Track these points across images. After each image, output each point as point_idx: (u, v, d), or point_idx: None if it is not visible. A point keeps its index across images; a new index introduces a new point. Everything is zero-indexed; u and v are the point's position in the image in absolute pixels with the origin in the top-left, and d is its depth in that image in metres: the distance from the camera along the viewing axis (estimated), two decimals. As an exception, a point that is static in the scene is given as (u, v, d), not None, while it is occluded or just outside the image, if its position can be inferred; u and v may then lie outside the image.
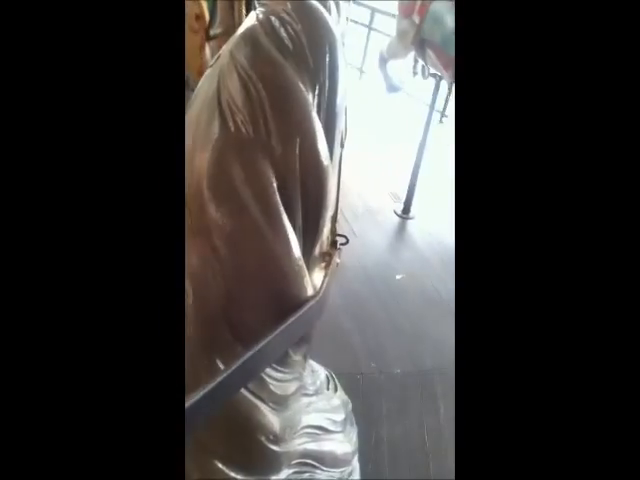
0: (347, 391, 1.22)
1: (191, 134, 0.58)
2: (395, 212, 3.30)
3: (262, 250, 0.57)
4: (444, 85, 2.86)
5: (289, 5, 0.57)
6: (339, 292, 2.37)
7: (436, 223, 3.18)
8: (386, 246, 3.04)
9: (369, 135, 4.24)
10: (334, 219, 0.81)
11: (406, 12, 2.69)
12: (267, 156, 0.54)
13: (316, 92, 0.57)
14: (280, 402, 0.71)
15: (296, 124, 0.55)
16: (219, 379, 0.52)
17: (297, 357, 0.74)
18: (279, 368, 0.69)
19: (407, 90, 3.23)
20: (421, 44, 2.59)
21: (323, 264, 0.77)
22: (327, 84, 0.57)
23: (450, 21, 2.28)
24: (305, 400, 0.82)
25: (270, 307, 0.61)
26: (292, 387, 0.73)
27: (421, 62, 2.79)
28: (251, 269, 0.59)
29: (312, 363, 0.90)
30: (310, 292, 0.67)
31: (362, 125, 4.40)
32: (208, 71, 0.63)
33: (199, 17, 2.39)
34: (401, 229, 3.23)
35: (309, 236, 0.62)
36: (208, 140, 0.55)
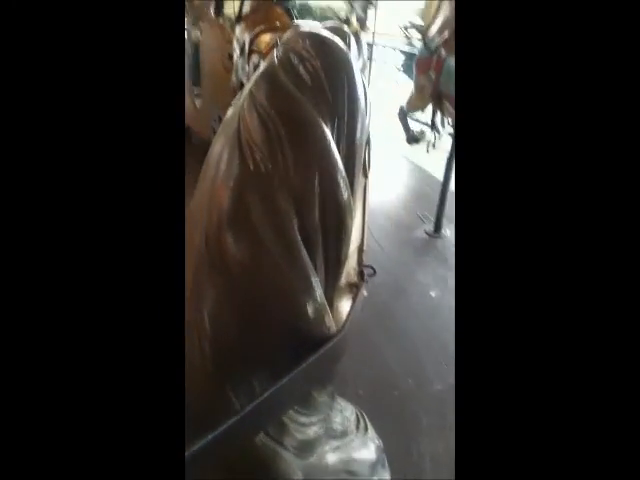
0: (383, 408, 1.10)
1: (213, 173, 0.59)
2: (426, 231, 3.30)
3: (281, 287, 0.57)
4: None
5: (308, 42, 0.58)
6: (372, 308, 2.35)
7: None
8: (418, 263, 3.03)
9: (398, 161, 4.34)
10: (360, 250, 0.79)
11: (423, 68, 2.91)
12: (286, 192, 0.54)
13: (335, 125, 0.57)
14: (304, 448, 0.65)
15: (314, 159, 0.55)
16: (231, 421, 0.49)
17: (322, 398, 0.69)
18: (302, 411, 0.64)
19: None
20: (438, 97, 2.78)
21: (350, 295, 0.75)
22: (346, 117, 0.58)
23: None
24: (332, 443, 0.75)
25: (287, 345, 0.60)
26: (317, 430, 0.68)
27: (439, 114, 2.98)
28: (269, 306, 0.58)
29: (340, 401, 0.82)
30: (333, 329, 0.63)
31: (390, 151, 4.52)
32: (230, 111, 0.65)
33: (232, 57, 2.56)
34: (432, 247, 3.20)
35: (330, 271, 0.61)
36: (228, 178, 0.56)
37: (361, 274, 0.83)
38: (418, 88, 3.04)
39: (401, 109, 3.35)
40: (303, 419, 0.65)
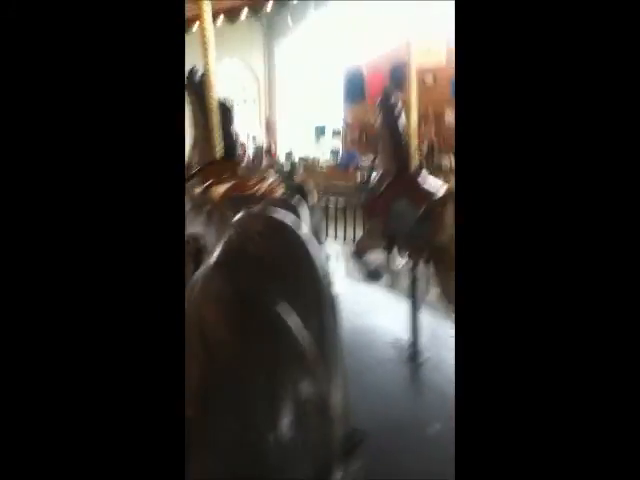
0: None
1: None
2: (405, 362, 3.06)
3: None
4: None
5: (259, 225, 0.60)
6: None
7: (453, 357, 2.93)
8: (407, 397, 2.76)
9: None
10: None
11: (371, 212, 2.91)
12: (256, 389, 0.51)
13: (300, 303, 0.55)
14: None
15: (284, 359, 0.52)
16: None
17: None
18: None
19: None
20: (389, 238, 2.74)
21: None
22: (308, 292, 0.57)
23: (411, 218, 2.45)
24: None
25: None
26: None
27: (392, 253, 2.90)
28: None
29: None
30: None
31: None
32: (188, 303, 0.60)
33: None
34: (416, 375, 3.01)
35: None
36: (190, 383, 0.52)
37: None
38: (369, 231, 3.00)
39: (353, 250, 3.25)
40: None
